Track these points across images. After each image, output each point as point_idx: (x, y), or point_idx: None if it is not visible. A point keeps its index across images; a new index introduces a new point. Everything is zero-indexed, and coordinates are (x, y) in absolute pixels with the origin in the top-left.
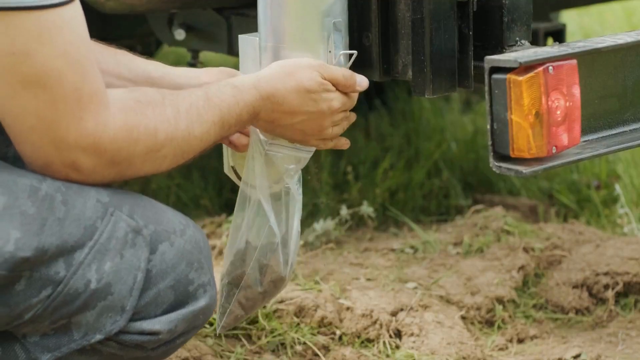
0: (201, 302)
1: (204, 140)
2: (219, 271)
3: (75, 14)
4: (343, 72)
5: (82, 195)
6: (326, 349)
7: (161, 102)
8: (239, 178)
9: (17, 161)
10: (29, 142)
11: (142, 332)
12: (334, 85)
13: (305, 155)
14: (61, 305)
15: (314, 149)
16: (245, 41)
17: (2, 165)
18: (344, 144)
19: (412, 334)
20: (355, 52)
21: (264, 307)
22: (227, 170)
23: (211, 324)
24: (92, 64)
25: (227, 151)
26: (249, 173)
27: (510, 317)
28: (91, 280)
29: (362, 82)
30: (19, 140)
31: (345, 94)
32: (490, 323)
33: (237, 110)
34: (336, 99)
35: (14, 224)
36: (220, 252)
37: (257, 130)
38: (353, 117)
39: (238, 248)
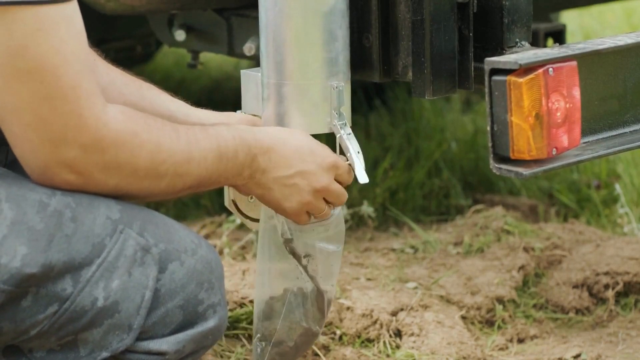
0: (210, 323)
1: (202, 167)
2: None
3: (73, 12)
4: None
5: (91, 212)
6: (326, 348)
7: (160, 120)
8: (240, 212)
9: None
10: (26, 141)
11: (149, 352)
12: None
13: (326, 221)
14: (67, 322)
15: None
16: (247, 77)
17: (13, 178)
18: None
19: (412, 334)
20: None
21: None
22: (227, 203)
23: None
24: (89, 64)
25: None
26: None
27: (510, 316)
28: (98, 297)
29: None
30: (17, 140)
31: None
32: (490, 323)
33: (234, 144)
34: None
35: (21, 239)
36: (221, 252)
37: None
38: (327, 214)
39: (265, 301)
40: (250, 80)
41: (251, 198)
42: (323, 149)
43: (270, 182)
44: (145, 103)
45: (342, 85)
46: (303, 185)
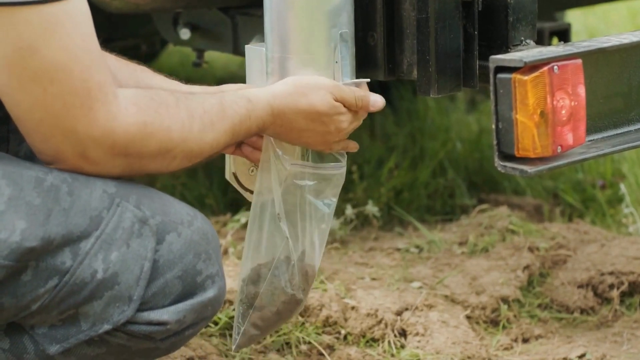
0: (209, 293)
1: (214, 147)
2: (226, 271)
3: (80, 7)
4: (355, 94)
5: (88, 186)
6: (331, 348)
7: (175, 104)
8: (240, 185)
9: (27, 159)
10: (38, 133)
11: (150, 323)
12: (346, 106)
13: (332, 172)
14: (68, 296)
15: (342, 167)
16: (251, 51)
17: (8, 159)
18: (352, 147)
19: (417, 334)
20: (367, 79)
21: None
22: (228, 176)
23: (216, 323)
24: (99, 56)
25: (229, 158)
26: (262, 184)
27: (515, 316)
28: (97, 270)
29: (375, 102)
30: (28, 131)
31: (356, 112)
32: (495, 322)
33: (248, 123)
34: (345, 121)
35: (19, 214)
36: (226, 252)
37: (275, 146)
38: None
39: (252, 265)
40: (254, 55)
41: (252, 171)
42: (333, 110)
43: (282, 138)
44: (140, 86)
45: (347, 32)
46: (312, 139)
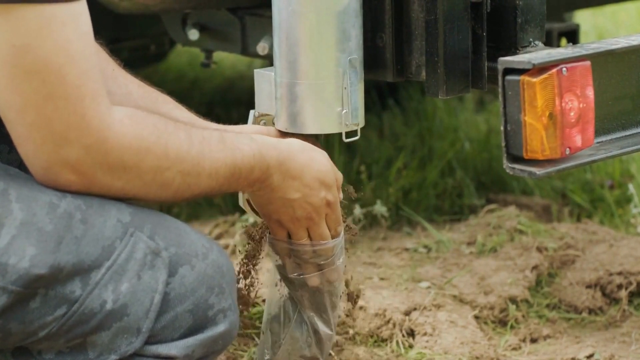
0: (220, 328)
1: (212, 178)
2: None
3: (81, 12)
4: (338, 174)
5: (102, 215)
6: (339, 347)
7: (174, 126)
8: (254, 211)
9: None
10: (30, 141)
11: (157, 356)
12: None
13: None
14: (76, 325)
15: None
16: (260, 76)
17: (24, 179)
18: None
19: (425, 334)
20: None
21: None
22: (241, 203)
23: None
24: (95, 65)
25: None
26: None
27: (523, 316)
28: (107, 300)
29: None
30: (21, 140)
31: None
32: (503, 323)
33: (252, 161)
34: (333, 194)
35: (30, 240)
36: (234, 251)
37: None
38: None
39: (269, 314)
40: (263, 80)
41: None
42: (331, 175)
43: (274, 199)
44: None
45: (356, 58)
46: (301, 212)
